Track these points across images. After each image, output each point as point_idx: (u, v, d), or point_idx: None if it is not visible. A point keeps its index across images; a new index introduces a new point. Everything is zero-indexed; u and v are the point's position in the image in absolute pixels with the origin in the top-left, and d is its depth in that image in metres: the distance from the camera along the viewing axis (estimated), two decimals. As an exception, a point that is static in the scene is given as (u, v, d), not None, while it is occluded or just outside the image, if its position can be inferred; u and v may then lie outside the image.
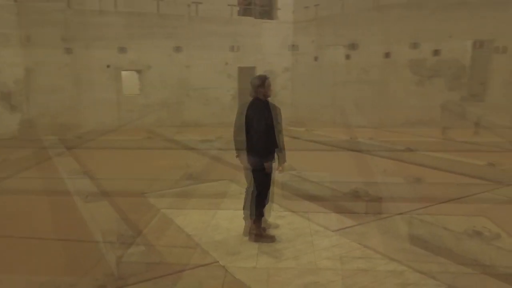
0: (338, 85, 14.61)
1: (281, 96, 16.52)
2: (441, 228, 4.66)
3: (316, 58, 15.65)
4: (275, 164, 4.64)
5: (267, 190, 4.66)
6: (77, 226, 5.14)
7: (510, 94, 9.95)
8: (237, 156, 4.83)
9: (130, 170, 8.07)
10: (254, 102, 4.56)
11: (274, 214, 5.25)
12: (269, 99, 4.64)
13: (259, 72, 15.85)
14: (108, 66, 13.19)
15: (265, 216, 4.80)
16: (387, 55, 12.87)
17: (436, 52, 11.23)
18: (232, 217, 5.42)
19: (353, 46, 13.81)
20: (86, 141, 9.37)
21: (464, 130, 9.89)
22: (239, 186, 6.75)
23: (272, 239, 4.67)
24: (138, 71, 13.94)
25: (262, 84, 4.53)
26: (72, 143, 9.07)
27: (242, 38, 15.27)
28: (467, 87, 10.59)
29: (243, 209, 4.84)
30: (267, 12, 16.45)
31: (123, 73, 13.72)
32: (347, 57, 14.23)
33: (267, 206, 4.74)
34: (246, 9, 16.08)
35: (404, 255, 4.25)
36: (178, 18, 14.17)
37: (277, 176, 5.07)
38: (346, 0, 13.94)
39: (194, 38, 14.43)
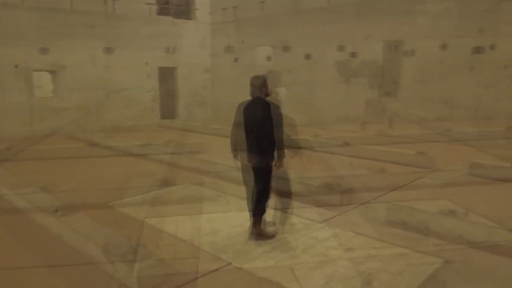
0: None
1: (201, 96, 16.49)
2: (418, 211, 5.27)
3: (236, 60, 15.91)
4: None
5: (268, 189, 4.76)
6: (59, 246, 4.62)
7: (419, 91, 11.41)
8: (234, 157, 4.83)
9: (85, 181, 7.40)
10: (256, 102, 4.63)
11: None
12: (268, 98, 4.73)
13: (180, 72, 15.64)
14: (16, 66, 11.76)
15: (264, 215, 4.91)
16: (307, 56, 13.69)
17: (354, 54, 12.31)
18: (222, 219, 5.41)
19: (275, 48, 14.39)
20: (17, 152, 8.26)
21: (385, 124, 11.04)
22: (207, 188, 6.71)
23: (273, 236, 4.79)
24: (51, 72, 12.68)
25: (264, 83, 4.62)
26: (2, 156, 7.94)
27: (162, 37, 14.84)
28: (384, 86, 11.83)
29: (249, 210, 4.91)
30: (184, 12, 16.22)
31: (38, 74, 12.36)
32: (268, 58, 14.77)
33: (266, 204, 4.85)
34: (163, 8, 15.64)
35: (397, 238, 4.71)
36: (94, 15, 13.22)
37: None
38: (266, 3, 14.43)
39: (113, 37, 13.61)
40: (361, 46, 12.07)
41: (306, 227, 5.12)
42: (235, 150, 4.84)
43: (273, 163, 4.66)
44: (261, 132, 4.54)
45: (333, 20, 12.77)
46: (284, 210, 5.65)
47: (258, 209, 4.75)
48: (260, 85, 4.60)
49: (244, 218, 5.42)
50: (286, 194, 6.06)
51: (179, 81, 15.79)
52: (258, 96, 4.63)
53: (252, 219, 4.78)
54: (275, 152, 4.64)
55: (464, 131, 10.23)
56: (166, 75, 15.33)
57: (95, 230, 4.66)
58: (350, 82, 12.22)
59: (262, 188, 4.68)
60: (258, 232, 4.77)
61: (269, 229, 4.93)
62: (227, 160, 8.16)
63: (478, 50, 10.34)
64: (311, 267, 4.12)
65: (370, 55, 11.83)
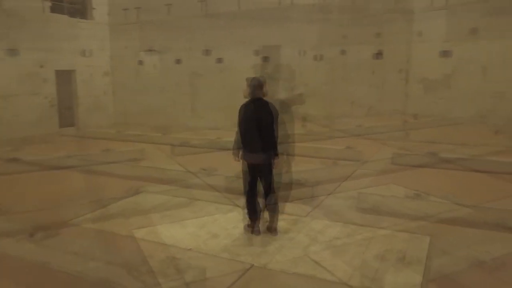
0: (168, 89, 14.70)
1: (102, 101, 15.38)
2: (386, 197, 5.94)
3: (140, 62, 15.22)
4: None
5: (269, 187, 4.88)
6: (60, 276, 4.01)
7: (326, 92, 12.55)
8: (241, 157, 4.85)
9: (31, 199, 6.40)
10: (259, 102, 4.72)
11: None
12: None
13: (79, 76, 14.37)
14: None
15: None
16: (219, 60, 13.85)
17: (266, 58, 12.92)
18: (210, 223, 5.32)
19: (185, 50, 14.19)
20: None
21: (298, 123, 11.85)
22: (169, 196, 6.42)
23: (276, 231, 4.94)
24: None
25: (263, 84, 4.74)
26: None
27: (57, 38, 13.39)
28: (296, 88, 12.70)
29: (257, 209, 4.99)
30: (80, 11, 14.88)
31: None
32: (178, 61, 14.50)
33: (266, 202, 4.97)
34: (56, 5, 14.09)
35: (381, 222, 5.26)
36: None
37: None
38: (173, 6, 14.14)
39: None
40: (272, 51, 12.74)
41: (298, 221, 5.36)
42: (238, 150, 4.87)
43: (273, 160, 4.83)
44: (268, 131, 4.67)
45: (244, 25, 13.17)
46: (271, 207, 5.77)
47: (271, 203, 4.90)
48: (261, 86, 4.72)
49: (233, 219, 5.46)
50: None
51: (78, 86, 14.45)
52: (259, 96, 4.73)
53: (269, 214, 4.95)
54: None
55: (373, 125, 11.61)
56: (64, 78, 13.90)
57: (97, 251, 4.19)
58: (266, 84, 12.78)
59: (270, 184, 4.85)
60: (274, 226, 4.95)
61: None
62: (174, 165, 8.03)
63: (377, 56, 11.88)
64: (327, 255, 4.39)
65: (283, 60, 12.57)
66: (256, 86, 4.70)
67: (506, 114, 10.93)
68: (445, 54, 11.41)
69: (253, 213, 4.96)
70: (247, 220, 5.18)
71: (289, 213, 5.62)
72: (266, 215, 5.07)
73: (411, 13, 12.85)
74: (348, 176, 7.54)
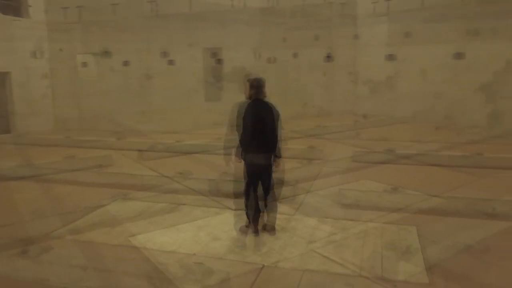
0: (115, 92, 14.06)
1: (40, 106, 14.33)
2: (365, 192, 6.25)
3: (84, 64, 14.37)
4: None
5: (269, 187, 4.93)
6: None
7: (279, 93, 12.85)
8: (238, 157, 4.84)
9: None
10: (260, 103, 4.76)
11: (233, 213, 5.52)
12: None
13: (15, 78, 13.27)
14: None
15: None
16: (170, 62, 13.53)
17: (220, 61, 12.88)
18: (204, 227, 5.24)
19: (134, 52, 13.66)
20: None
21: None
22: (143, 202, 6.17)
23: (274, 230, 5.00)
24: None
25: (264, 84, 4.77)
26: None
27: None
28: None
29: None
30: (14, 8, 13.69)
31: None
32: (126, 63, 13.91)
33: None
34: (-15, 1, 12.84)
35: (367, 216, 5.52)
36: None
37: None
38: (120, 6, 13.54)
39: None
40: (229, 53, 12.76)
41: (289, 220, 5.45)
42: (239, 150, 4.86)
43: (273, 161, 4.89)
44: (271, 132, 4.73)
45: (196, 27, 13.03)
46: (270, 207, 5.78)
47: (271, 202, 4.97)
48: (262, 87, 4.75)
49: (226, 221, 5.42)
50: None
51: (13, 89, 13.30)
52: (259, 97, 4.76)
53: (262, 214, 4.98)
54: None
55: (327, 125, 12.08)
56: (-3, 81, 12.73)
57: (101, 262, 3.95)
58: (224, 87, 12.75)
59: (270, 184, 4.92)
60: (273, 225, 5.02)
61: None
62: (146, 170, 7.74)
63: (328, 58, 12.40)
64: (331, 249, 4.54)
65: (237, 62, 12.64)
66: (260, 87, 4.74)
67: (443, 112, 11.99)
68: (390, 57, 12.23)
69: (253, 214, 4.97)
70: (242, 222, 5.20)
71: (277, 212, 5.69)
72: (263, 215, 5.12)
73: (355, 18, 13.60)
74: (317, 174, 7.79)
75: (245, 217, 5.20)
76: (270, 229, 5.01)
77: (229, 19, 12.81)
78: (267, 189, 4.94)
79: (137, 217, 5.59)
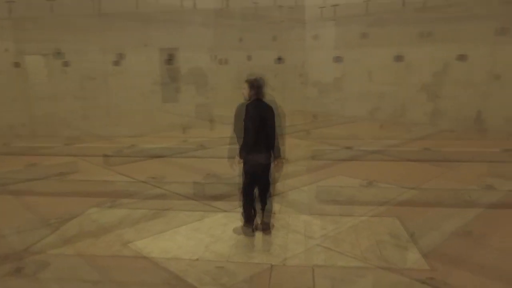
0: (55, 94, 13.09)
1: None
2: (344, 187, 6.50)
3: (17, 65, 13.15)
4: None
5: (268, 187, 4.94)
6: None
7: (234, 95, 12.81)
8: (241, 159, 4.79)
9: None
10: (261, 103, 4.75)
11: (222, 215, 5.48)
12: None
13: None
14: None
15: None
16: (116, 62, 12.90)
17: (170, 61, 12.53)
18: (198, 230, 5.11)
19: (75, 52, 12.80)
20: None
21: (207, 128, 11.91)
22: (121, 209, 5.86)
23: (270, 229, 5.03)
24: None
25: (263, 84, 4.77)
26: None
27: None
28: (208, 92, 12.64)
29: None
30: None
31: None
32: (66, 64, 12.99)
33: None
34: None
35: (352, 210, 5.74)
36: None
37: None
38: (57, 3, 12.61)
39: None
40: (183, 54, 12.47)
41: (278, 218, 5.48)
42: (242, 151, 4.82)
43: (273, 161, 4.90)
44: (272, 132, 4.75)
45: (143, 27, 12.57)
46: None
47: (266, 203, 4.97)
48: (262, 87, 4.76)
49: (218, 223, 5.34)
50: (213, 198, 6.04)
51: None
52: (260, 97, 4.75)
53: (262, 214, 4.98)
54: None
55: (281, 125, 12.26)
56: None
57: (113, 275, 3.68)
58: (182, 89, 12.41)
59: (268, 183, 4.92)
60: (270, 224, 5.03)
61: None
62: (116, 176, 7.32)
63: (279, 61, 12.63)
64: (331, 244, 4.67)
65: (190, 64, 12.40)
66: (260, 87, 4.74)
67: (388, 111, 12.82)
68: (337, 59, 12.80)
69: (250, 215, 4.96)
70: (236, 222, 5.17)
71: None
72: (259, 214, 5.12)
73: (303, 22, 14.02)
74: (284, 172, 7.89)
75: (239, 217, 5.16)
76: (265, 228, 5.01)
77: (180, 20, 12.54)
78: (266, 189, 4.94)
79: (120, 225, 5.29)
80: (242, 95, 4.84)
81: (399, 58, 12.13)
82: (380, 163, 8.55)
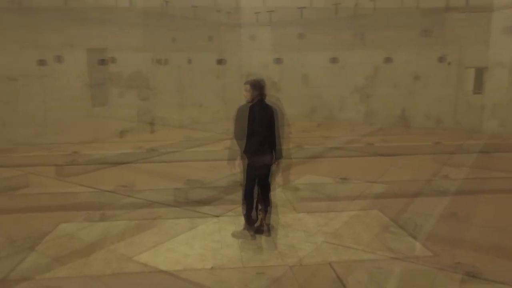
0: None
1: None
2: (321, 184, 6.62)
3: None
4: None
5: (269, 188, 4.81)
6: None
7: (174, 97, 12.31)
8: (242, 159, 4.66)
9: None
10: (262, 104, 4.63)
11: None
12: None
13: None
14: None
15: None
16: (41, 62, 11.54)
17: (103, 61, 11.56)
18: (198, 237, 4.82)
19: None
20: None
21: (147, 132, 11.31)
22: (97, 223, 5.31)
23: (270, 231, 4.91)
24: None
25: (265, 85, 4.63)
26: None
27: None
28: (149, 95, 11.88)
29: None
30: None
31: None
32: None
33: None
34: None
35: (335, 206, 5.87)
36: None
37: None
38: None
39: None
40: (117, 55, 11.57)
41: (273, 218, 5.35)
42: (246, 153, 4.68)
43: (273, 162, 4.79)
44: (272, 133, 4.62)
45: (72, 24, 11.44)
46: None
47: (269, 204, 4.82)
48: (264, 87, 4.63)
49: (211, 229, 5.08)
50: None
51: None
52: (261, 98, 4.61)
53: (265, 215, 4.82)
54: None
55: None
56: None
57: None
58: (125, 93, 11.46)
59: (269, 185, 4.78)
60: (267, 227, 4.86)
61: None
62: (76, 187, 6.54)
63: (220, 62, 12.46)
64: (333, 239, 4.72)
65: (129, 64, 11.59)
66: (262, 88, 4.62)
67: (323, 112, 13.39)
68: (277, 61, 13.06)
69: (252, 218, 4.82)
70: (234, 226, 4.99)
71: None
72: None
73: (240, 27, 14.01)
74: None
75: (234, 221, 4.98)
76: (267, 229, 4.89)
77: (115, 19, 11.68)
78: (268, 189, 4.81)
79: (110, 238, 4.78)
80: (244, 97, 4.68)
81: (334, 61, 12.77)
82: (335, 159, 8.84)
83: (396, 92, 12.33)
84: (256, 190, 4.81)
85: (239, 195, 6.07)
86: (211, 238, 4.79)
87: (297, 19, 13.05)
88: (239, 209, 5.55)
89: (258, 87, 4.61)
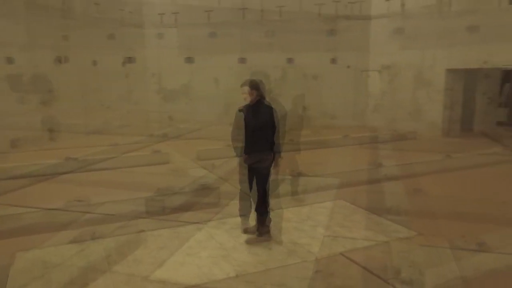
0: None
1: None
2: (279, 181, 6.61)
3: None
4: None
5: (268, 187, 4.65)
6: None
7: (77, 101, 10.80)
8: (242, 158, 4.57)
9: None
10: (261, 104, 4.50)
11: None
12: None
13: None
14: None
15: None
16: None
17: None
18: (198, 246, 4.42)
19: None
20: None
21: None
22: (67, 245, 4.49)
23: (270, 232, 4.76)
24: None
25: (263, 86, 4.48)
26: None
27: None
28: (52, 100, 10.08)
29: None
30: None
31: None
32: None
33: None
34: None
35: (299, 201, 6.02)
36: None
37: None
38: None
39: None
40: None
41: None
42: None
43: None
44: (271, 133, 4.52)
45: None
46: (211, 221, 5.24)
47: (265, 207, 4.63)
48: (263, 88, 4.47)
49: (207, 235, 4.76)
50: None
51: None
52: (260, 99, 4.44)
53: (260, 218, 4.63)
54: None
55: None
56: None
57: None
58: (25, 99, 9.43)
59: (267, 187, 4.61)
60: (265, 228, 4.68)
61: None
62: (6, 208, 5.31)
63: (130, 60, 11.42)
64: (329, 229, 4.84)
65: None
66: (262, 88, 4.51)
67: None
68: (188, 60, 12.61)
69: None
70: (230, 230, 4.73)
71: (237, 215, 5.31)
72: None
73: (142, 27, 13.03)
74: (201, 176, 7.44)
75: (222, 225, 4.81)
76: (267, 231, 4.71)
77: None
78: (263, 192, 4.61)
79: (97, 260, 4.01)
80: (244, 100, 4.50)
81: (242, 63, 12.87)
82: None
83: (297, 91, 12.90)
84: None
85: (212, 198, 5.79)
86: (212, 246, 4.43)
87: (204, 21, 12.76)
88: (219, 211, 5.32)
89: (258, 87, 4.48)
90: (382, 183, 6.83)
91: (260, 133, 4.44)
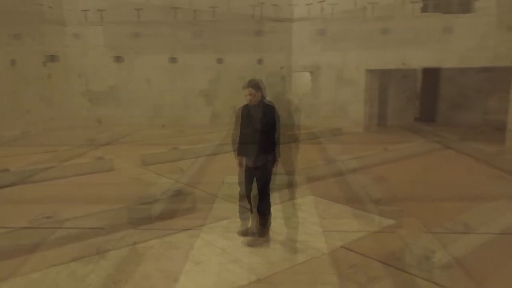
0: None
1: None
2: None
3: None
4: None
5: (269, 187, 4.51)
6: None
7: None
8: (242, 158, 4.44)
9: None
10: (261, 104, 4.35)
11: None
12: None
13: None
14: None
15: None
16: None
17: None
18: (201, 255, 4.13)
19: None
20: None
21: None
22: (51, 268, 3.87)
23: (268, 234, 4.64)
24: None
25: (263, 86, 4.32)
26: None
27: None
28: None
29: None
30: None
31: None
32: None
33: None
34: None
35: (282, 196, 5.96)
36: None
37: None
38: None
39: None
40: None
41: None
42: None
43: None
44: (271, 133, 4.38)
45: None
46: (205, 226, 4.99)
47: (266, 207, 4.47)
48: (263, 88, 4.33)
49: (206, 241, 4.52)
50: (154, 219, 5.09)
51: None
52: (261, 99, 4.29)
53: (260, 219, 4.47)
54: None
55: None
56: None
57: None
58: None
59: (267, 187, 4.47)
60: (266, 229, 4.54)
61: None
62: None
63: (52, 59, 10.12)
64: (319, 225, 4.90)
65: None
66: (263, 88, 4.36)
67: (168, 114, 12.72)
68: (117, 59, 11.66)
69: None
70: (227, 235, 4.52)
71: (223, 218, 5.09)
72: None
73: (63, 24, 11.67)
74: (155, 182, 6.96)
75: (216, 229, 4.58)
76: (266, 232, 4.57)
77: None
78: (263, 193, 4.45)
79: (102, 281, 3.47)
80: (249, 102, 4.32)
81: (173, 63, 12.37)
82: (221, 157, 8.68)
83: (230, 91, 12.84)
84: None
85: (188, 203, 5.46)
86: (214, 252, 4.16)
87: (133, 19, 11.94)
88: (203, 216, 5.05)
89: (260, 87, 4.33)
90: (343, 176, 7.11)
91: (262, 133, 4.30)
